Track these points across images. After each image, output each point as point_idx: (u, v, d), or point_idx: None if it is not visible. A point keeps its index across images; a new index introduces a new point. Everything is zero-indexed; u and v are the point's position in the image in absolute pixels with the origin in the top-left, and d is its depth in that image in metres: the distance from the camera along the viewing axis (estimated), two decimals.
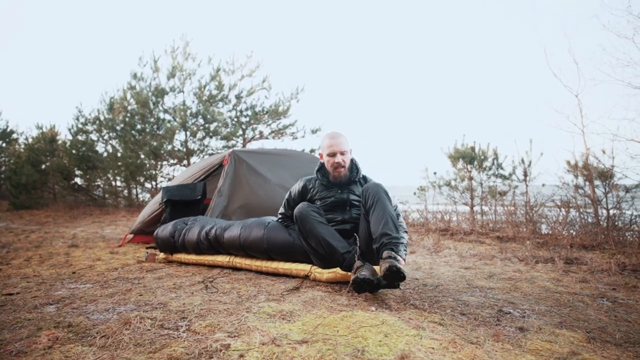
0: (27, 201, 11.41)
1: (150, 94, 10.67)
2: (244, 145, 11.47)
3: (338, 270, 2.41)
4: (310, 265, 2.57)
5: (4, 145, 15.54)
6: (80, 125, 11.84)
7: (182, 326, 1.65)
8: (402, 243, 2.25)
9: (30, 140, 13.42)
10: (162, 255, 3.42)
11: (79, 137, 11.73)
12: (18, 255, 3.77)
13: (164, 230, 3.40)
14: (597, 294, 2.29)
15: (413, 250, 3.95)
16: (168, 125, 10.44)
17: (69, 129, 11.92)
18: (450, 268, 3.07)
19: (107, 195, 12.28)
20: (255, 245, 2.78)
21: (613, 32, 4.73)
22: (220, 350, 1.38)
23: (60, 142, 12.72)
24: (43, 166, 12.46)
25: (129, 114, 10.82)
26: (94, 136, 11.85)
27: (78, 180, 12.39)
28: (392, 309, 1.91)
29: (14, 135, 15.45)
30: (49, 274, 2.89)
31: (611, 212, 5.11)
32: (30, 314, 1.87)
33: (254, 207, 3.96)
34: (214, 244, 3.05)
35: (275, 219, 2.98)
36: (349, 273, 2.34)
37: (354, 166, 2.75)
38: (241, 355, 1.35)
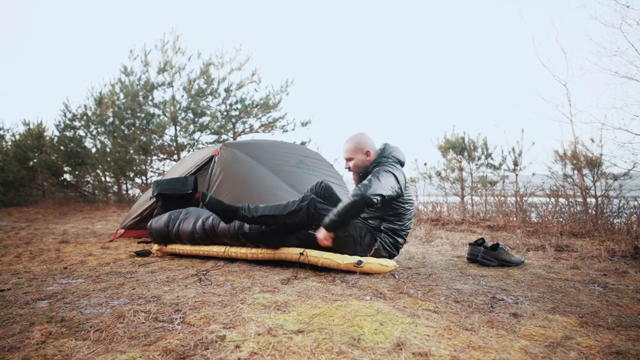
0: (15, 198, 11.29)
1: (139, 87, 10.56)
2: (234, 139, 11.41)
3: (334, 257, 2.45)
4: (303, 249, 2.59)
5: None
6: (67, 121, 11.68)
7: (176, 319, 1.64)
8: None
9: (17, 137, 13.23)
10: (156, 246, 3.40)
11: (67, 133, 11.58)
12: (8, 252, 3.72)
13: (159, 220, 3.37)
14: (588, 279, 2.32)
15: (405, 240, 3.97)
16: (158, 119, 10.35)
17: (56, 125, 11.75)
18: (442, 257, 3.09)
19: (97, 191, 12.19)
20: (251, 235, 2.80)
21: (600, 21, 4.75)
22: (216, 342, 1.38)
23: (47, 138, 12.55)
24: (31, 163, 12.30)
25: (117, 108, 10.70)
26: (81, 132, 11.72)
27: (67, 176, 12.27)
28: (386, 298, 1.91)
29: (0, 132, 15.22)
30: (40, 269, 2.86)
31: (599, 200, 5.18)
32: (22, 309, 1.84)
33: (247, 193, 3.90)
34: (209, 234, 3.02)
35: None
36: (346, 261, 2.38)
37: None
38: (237, 346, 1.34)
